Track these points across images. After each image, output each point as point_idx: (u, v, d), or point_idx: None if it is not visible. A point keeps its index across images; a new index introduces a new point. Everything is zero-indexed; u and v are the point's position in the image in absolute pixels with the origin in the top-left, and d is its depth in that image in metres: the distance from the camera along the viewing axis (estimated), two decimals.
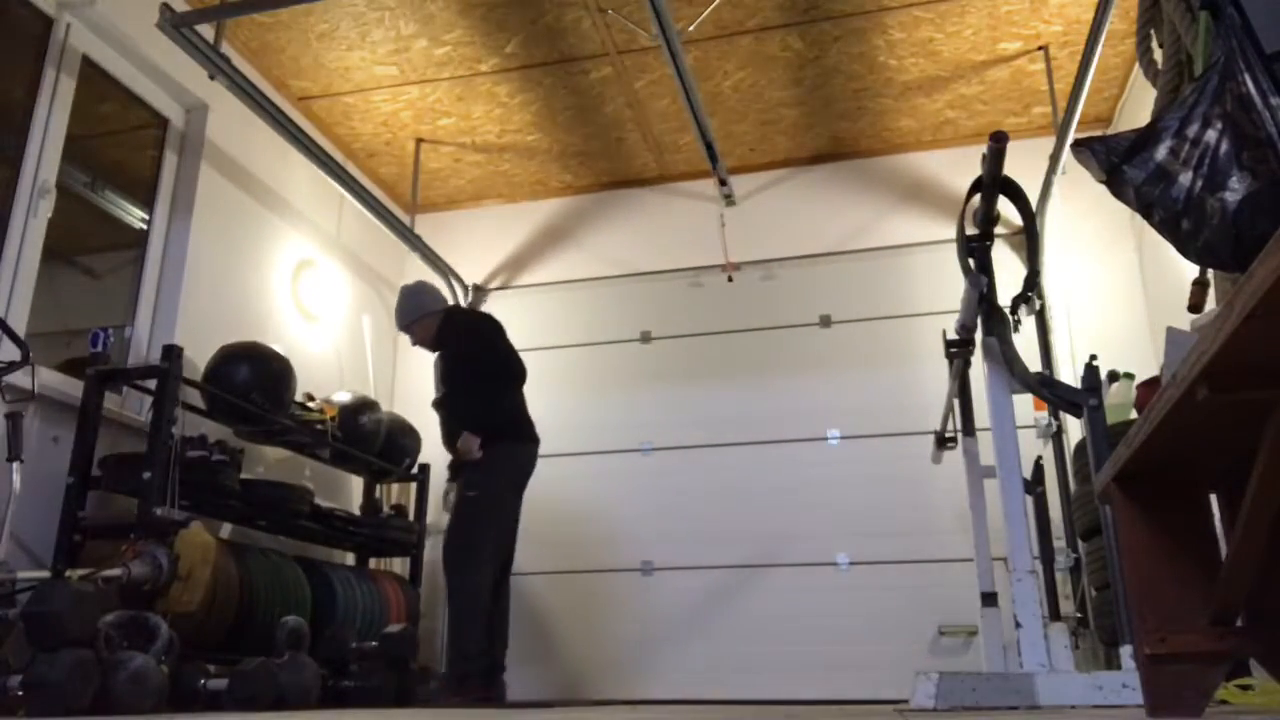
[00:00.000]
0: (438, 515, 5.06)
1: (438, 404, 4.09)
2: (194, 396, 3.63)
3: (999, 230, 3.27)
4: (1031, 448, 4.31)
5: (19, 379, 2.96)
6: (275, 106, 4.00)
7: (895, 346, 4.83)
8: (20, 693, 2.44)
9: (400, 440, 4.61)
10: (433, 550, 5.00)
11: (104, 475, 3.21)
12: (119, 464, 3.21)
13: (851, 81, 4.58)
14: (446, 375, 4.05)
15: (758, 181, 5.27)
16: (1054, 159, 4.26)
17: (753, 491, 4.79)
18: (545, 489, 4.99)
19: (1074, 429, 4.29)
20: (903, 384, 4.74)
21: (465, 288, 5.45)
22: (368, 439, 4.29)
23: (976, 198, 2.82)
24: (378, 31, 4.22)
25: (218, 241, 4.18)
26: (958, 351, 3.39)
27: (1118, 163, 1.90)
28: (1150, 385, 3.33)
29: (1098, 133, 2.28)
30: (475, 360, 4.02)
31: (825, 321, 4.99)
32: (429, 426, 5.00)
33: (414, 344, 4.21)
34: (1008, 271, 4.24)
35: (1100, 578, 3.54)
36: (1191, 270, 2.35)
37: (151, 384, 3.34)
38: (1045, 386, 2.71)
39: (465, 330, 4.16)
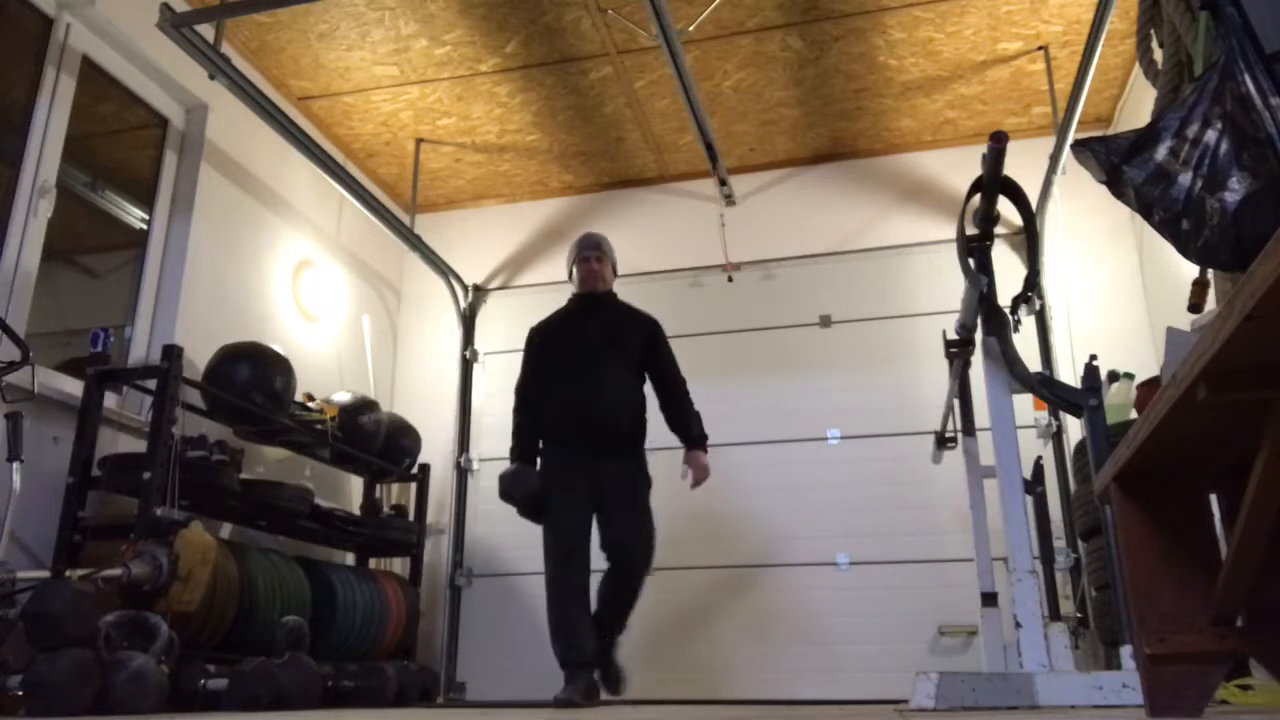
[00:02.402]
0: (437, 515, 5.07)
1: (623, 385, 3.64)
2: (194, 396, 3.63)
3: (999, 230, 3.27)
4: (1031, 448, 4.32)
5: (19, 379, 2.96)
6: (275, 106, 4.00)
7: (895, 346, 4.83)
8: (20, 693, 2.44)
9: (400, 440, 4.61)
10: (433, 551, 5.01)
11: (104, 475, 3.21)
12: (119, 464, 3.21)
13: (851, 81, 4.59)
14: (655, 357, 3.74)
15: (758, 181, 5.27)
16: (1054, 159, 4.26)
17: (753, 491, 4.79)
18: None
19: (1074, 429, 4.30)
20: (903, 384, 4.74)
21: (465, 288, 5.45)
22: (368, 439, 4.29)
23: (976, 198, 2.82)
24: (378, 31, 4.22)
25: (218, 241, 4.18)
26: (958, 351, 3.39)
27: (1118, 163, 1.90)
28: (1150, 385, 3.33)
29: (1098, 133, 2.28)
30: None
31: (825, 321, 4.99)
32: (429, 426, 5.03)
33: (608, 280, 3.81)
34: (1008, 271, 4.25)
35: (1100, 578, 3.54)
36: (1191, 270, 2.35)
37: (151, 384, 3.34)
38: (1045, 386, 2.71)
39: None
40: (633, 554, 3.52)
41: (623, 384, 3.62)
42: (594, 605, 3.50)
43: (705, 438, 3.71)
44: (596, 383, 3.58)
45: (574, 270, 3.85)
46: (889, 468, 4.64)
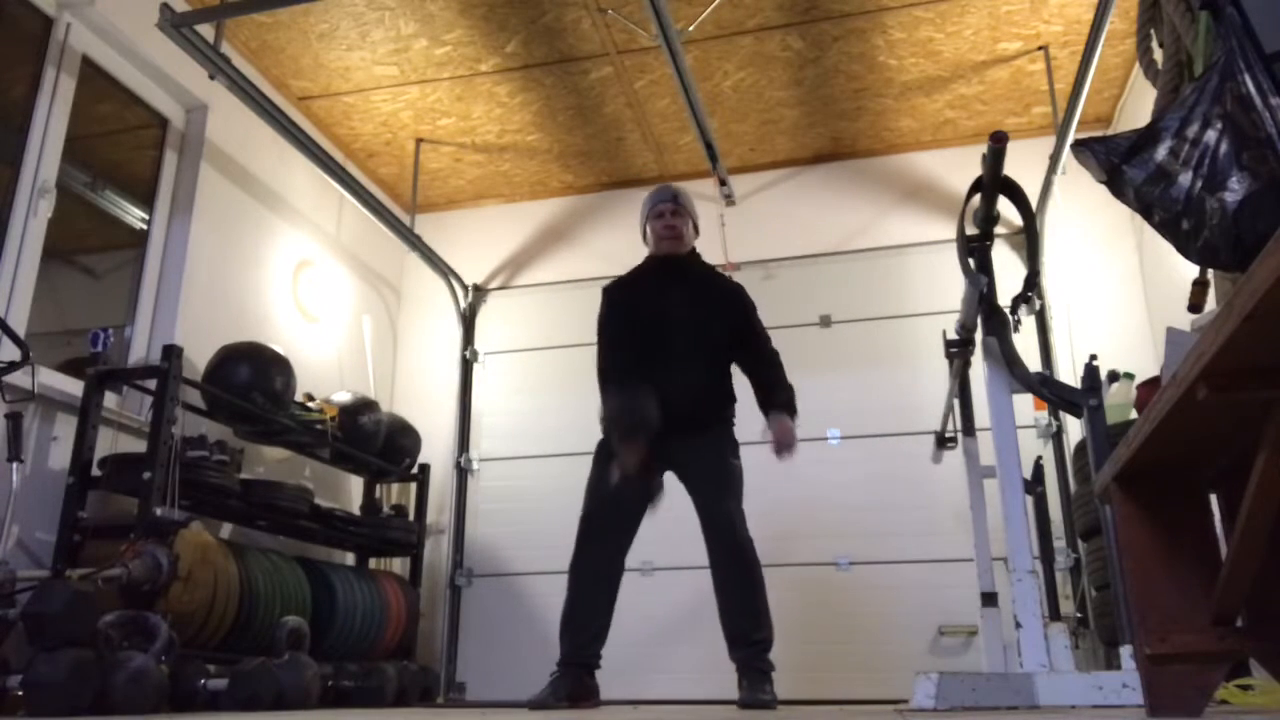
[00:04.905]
0: (437, 515, 5.07)
1: (696, 351, 3.20)
2: (194, 396, 3.63)
3: (999, 230, 3.26)
4: (1031, 448, 4.31)
5: (19, 379, 2.97)
6: (275, 106, 4.00)
7: (895, 346, 4.83)
8: (20, 693, 2.44)
9: (400, 440, 4.61)
10: (433, 551, 5.01)
11: (104, 475, 3.21)
12: (119, 464, 3.21)
13: (851, 81, 4.58)
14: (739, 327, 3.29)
15: (758, 181, 5.27)
16: (1054, 159, 4.25)
17: (752, 491, 4.76)
18: (546, 489, 5.00)
19: (1074, 429, 4.30)
20: (903, 384, 4.74)
21: (465, 288, 5.45)
22: (368, 439, 4.29)
23: (976, 198, 2.82)
24: (378, 31, 4.22)
25: (218, 241, 4.18)
26: (958, 351, 3.39)
27: (1118, 163, 1.90)
28: (1150, 385, 3.33)
29: (1098, 133, 2.28)
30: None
31: (825, 321, 4.99)
32: (429, 427, 5.03)
33: (688, 239, 3.33)
34: (1008, 271, 4.24)
35: (1100, 578, 3.54)
36: (1191, 270, 2.35)
37: (151, 384, 3.34)
38: (1045, 386, 2.71)
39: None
40: (731, 525, 3.10)
41: (705, 368, 3.22)
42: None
43: (794, 410, 3.31)
44: (677, 368, 3.15)
45: (647, 228, 3.36)
46: (889, 468, 4.64)
